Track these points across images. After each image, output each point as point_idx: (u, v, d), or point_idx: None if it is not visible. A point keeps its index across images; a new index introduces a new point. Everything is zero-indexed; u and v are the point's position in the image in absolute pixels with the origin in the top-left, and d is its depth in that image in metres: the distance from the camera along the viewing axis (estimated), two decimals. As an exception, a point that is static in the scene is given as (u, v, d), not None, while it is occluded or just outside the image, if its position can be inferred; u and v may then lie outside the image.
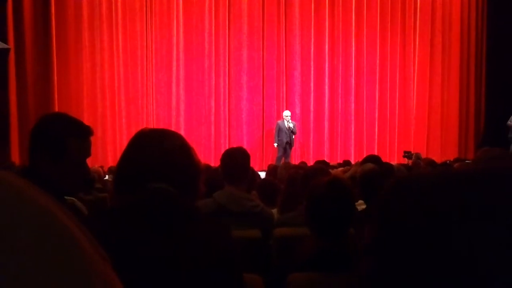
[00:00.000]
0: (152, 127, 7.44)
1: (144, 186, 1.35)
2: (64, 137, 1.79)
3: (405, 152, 10.35)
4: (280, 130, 10.82)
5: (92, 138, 1.91)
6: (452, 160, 8.79)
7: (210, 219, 1.54)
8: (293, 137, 10.91)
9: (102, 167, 7.67)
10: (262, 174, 6.88)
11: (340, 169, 6.12)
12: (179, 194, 1.37)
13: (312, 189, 2.06)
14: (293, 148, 11.08)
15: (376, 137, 12.23)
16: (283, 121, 10.85)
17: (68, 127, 1.83)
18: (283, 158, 10.55)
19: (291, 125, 10.79)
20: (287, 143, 10.78)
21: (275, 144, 10.90)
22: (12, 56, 9.00)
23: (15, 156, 8.81)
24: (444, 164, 6.16)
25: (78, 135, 1.84)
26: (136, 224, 1.29)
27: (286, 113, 10.94)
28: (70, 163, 1.80)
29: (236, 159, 2.97)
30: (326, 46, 11.88)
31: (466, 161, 7.96)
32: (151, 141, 1.43)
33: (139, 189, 1.35)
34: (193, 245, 1.32)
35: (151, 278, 1.22)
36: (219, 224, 1.46)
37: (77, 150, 1.82)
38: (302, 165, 6.95)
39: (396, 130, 12.37)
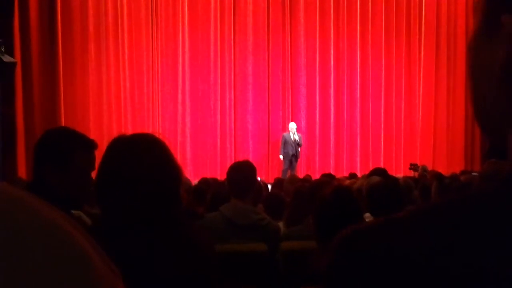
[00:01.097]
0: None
1: (133, 195, 1.34)
2: (70, 150, 1.80)
3: (411, 164, 10.28)
4: (285, 142, 10.79)
5: (98, 152, 1.92)
6: (458, 172, 8.73)
7: (194, 226, 1.55)
8: (299, 149, 10.87)
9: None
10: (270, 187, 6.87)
11: (347, 182, 6.10)
12: (168, 201, 1.38)
13: (319, 200, 2.06)
14: (299, 160, 11.05)
15: (382, 149, 12.19)
16: (289, 133, 10.83)
17: (73, 140, 1.84)
18: (289, 171, 10.52)
19: (296, 137, 10.76)
20: (293, 155, 10.74)
21: (281, 156, 10.88)
22: (18, 69, 9.04)
23: (22, 170, 8.81)
24: (451, 177, 6.12)
25: (83, 148, 1.85)
26: (130, 234, 1.29)
27: (292, 126, 10.92)
28: (76, 176, 1.81)
29: (243, 173, 2.97)
30: (331, 59, 11.91)
31: (473, 173, 7.90)
32: (140, 149, 1.41)
33: (129, 198, 1.34)
34: (184, 252, 1.33)
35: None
36: (201, 231, 1.49)
37: (82, 163, 1.83)
38: (307, 178, 6.95)
39: (402, 142, 12.33)
